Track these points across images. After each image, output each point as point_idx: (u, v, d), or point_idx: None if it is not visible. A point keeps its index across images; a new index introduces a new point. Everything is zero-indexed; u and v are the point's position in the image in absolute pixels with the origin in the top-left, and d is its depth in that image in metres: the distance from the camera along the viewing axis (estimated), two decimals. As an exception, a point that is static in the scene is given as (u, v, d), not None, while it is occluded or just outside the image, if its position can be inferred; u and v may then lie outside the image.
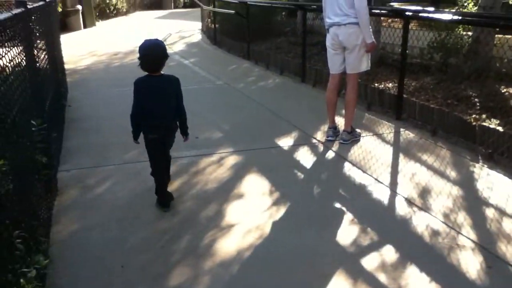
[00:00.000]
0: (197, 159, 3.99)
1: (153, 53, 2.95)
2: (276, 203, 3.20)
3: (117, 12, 19.30)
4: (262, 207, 3.14)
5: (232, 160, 3.98)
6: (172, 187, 3.46)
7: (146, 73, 3.01)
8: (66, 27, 14.37)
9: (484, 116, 4.22)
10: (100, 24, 16.74)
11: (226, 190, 3.40)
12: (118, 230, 2.88)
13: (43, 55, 4.21)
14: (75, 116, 5.37)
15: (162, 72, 3.03)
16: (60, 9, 13.99)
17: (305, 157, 4.04)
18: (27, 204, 2.28)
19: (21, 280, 1.78)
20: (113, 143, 4.41)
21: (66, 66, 7.66)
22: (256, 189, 3.41)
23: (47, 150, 3.04)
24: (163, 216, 3.05)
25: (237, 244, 2.69)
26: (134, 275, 2.44)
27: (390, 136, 4.48)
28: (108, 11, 18.52)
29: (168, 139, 3.18)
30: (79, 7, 14.95)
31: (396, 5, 13.04)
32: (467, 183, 3.45)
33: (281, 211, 3.09)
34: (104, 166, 3.87)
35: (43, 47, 4.37)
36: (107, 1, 18.54)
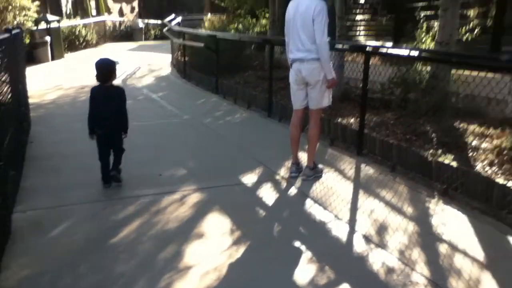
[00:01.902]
0: (159, 197, 3.97)
1: (102, 68, 4.07)
2: (236, 243, 3.19)
3: (86, 44, 19.23)
4: (222, 247, 3.13)
5: (195, 198, 3.97)
6: (131, 227, 3.42)
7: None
8: (34, 59, 14.21)
9: (440, 151, 4.37)
10: (69, 56, 16.64)
11: (187, 230, 3.38)
12: (71, 276, 2.80)
13: (5, 89, 4.16)
14: (37, 153, 5.28)
15: (113, 83, 4.13)
16: (27, 41, 13.89)
17: (268, 195, 4.07)
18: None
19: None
20: (73, 182, 4.34)
21: (31, 100, 7.56)
22: (217, 229, 3.40)
23: (1, 189, 2.96)
24: (120, 259, 3.00)
25: (194, 287, 2.67)
26: (86, 324, 2.38)
27: (351, 172, 4.57)
28: (77, 42, 18.44)
29: (113, 135, 4.13)
30: (48, 38, 14.85)
31: (361, 39, 13.53)
32: (422, 219, 3.53)
33: (241, 251, 3.08)
34: (61, 207, 3.80)
35: (6, 81, 4.32)
36: (77, 33, 18.49)
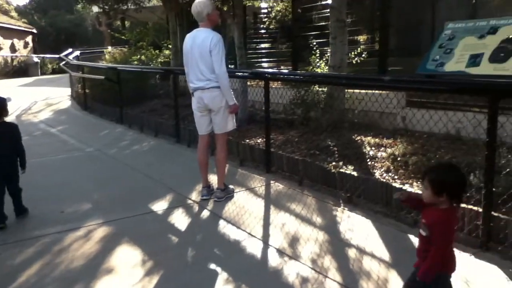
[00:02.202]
0: (62, 235, 3.70)
1: None
2: (148, 273, 3.07)
3: (-27, 81, 17.73)
4: (133, 280, 2.99)
5: (102, 232, 3.76)
6: (32, 270, 3.15)
7: None
8: None
9: (341, 163, 4.62)
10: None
11: (94, 267, 3.18)
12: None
13: None
14: None
15: (5, 120, 4.00)
16: None
17: (181, 220, 3.99)
18: None
19: None
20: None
21: None
22: (127, 261, 3.24)
23: None
24: (20, 306, 2.73)
25: (105, 325, 2.50)
26: None
27: (261, 190, 4.66)
28: (-38, 80, 16.94)
29: (9, 173, 3.99)
30: None
31: (264, 65, 14.04)
32: (331, 227, 3.68)
33: (154, 281, 2.97)
34: None
35: None
36: (-39, 70, 17.01)
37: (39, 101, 12.93)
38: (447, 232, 2.11)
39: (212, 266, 3.16)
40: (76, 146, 7.15)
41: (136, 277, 3.01)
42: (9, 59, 23.54)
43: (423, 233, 2.15)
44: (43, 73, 22.76)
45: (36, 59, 23.15)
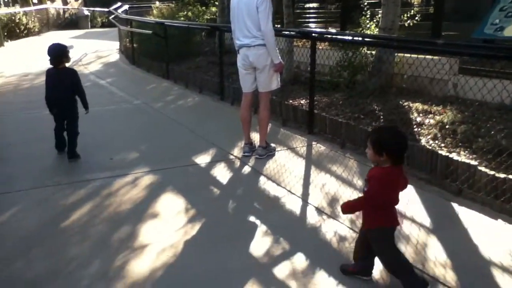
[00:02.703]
0: (111, 180, 3.89)
1: (53, 52, 4.30)
2: (191, 221, 3.20)
3: (28, 32, 18.36)
4: (177, 226, 3.13)
5: (147, 180, 3.92)
6: (83, 211, 3.35)
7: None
8: (-30, 48, 13.42)
9: (386, 127, 4.55)
10: (9, 44, 15.82)
11: (140, 211, 3.35)
12: (23, 261, 2.71)
13: None
14: (-22, 142, 5.02)
15: (65, 66, 4.39)
16: (-38, 29, 13.08)
17: (222, 174, 4.09)
18: None
19: None
20: (20, 170, 4.18)
21: (-31, 89, 7.16)
22: (171, 209, 3.39)
23: None
24: (72, 242, 2.93)
25: (150, 265, 2.66)
26: (39, 305, 2.32)
27: (302, 150, 4.68)
28: (18, 30, 17.57)
29: (66, 113, 4.35)
30: (-15, 26, 14.05)
31: (311, 26, 13.74)
32: (372, 191, 3.67)
33: (196, 229, 3.09)
34: (9, 193, 3.65)
35: None
36: (17, 21, 17.59)
37: (89, 53, 13.28)
38: (383, 187, 2.25)
39: (252, 218, 3.25)
40: (124, 99, 7.37)
41: (179, 224, 3.15)
42: (61, 12, 24.12)
43: (365, 189, 2.35)
44: (92, 26, 23.22)
45: (86, 12, 23.59)
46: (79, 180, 3.90)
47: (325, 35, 5.28)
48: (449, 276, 2.51)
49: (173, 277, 2.55)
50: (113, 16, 14.27)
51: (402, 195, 3.27)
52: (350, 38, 5.02)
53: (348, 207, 2.39)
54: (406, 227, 3.05)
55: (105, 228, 3.12)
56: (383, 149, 2.22)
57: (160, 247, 2.84)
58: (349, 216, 3.21)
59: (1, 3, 18.81)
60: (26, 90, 8.36)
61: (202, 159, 4.43)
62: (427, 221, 3.14)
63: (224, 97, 6.99)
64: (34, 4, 21.87)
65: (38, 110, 6.53)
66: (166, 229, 3.09)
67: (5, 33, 16.19)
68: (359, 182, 3.81)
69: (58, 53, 4.32)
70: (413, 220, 3.15)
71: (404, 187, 2.39)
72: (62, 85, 4.29)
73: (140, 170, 4.13)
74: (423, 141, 4.45)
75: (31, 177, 3.96)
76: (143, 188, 3.75)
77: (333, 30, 7.22)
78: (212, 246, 2.88)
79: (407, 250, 2.77)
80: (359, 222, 2.55)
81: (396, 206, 2.37)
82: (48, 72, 4.38)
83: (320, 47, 7.27)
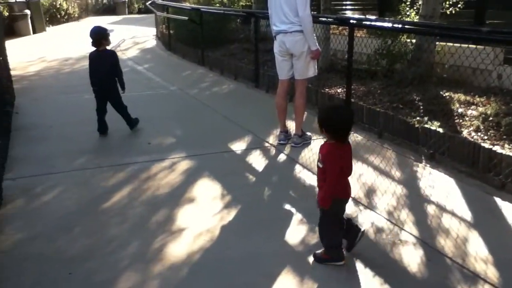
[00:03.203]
0: (149, 164, 3.96)
1: (95, 35, 4.62)
2: (227, 206, 3.22)
3: (68, 17, 18.80)
4: (213, 211, 3.16)
5: (184, 165, 3.97)
6: (122, 193, 3.43)
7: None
8: (14, 32, 13.86)
9: (426, 118, 4.42)
10: (51, 30, 16.26)
11: (177, 195, 3.40)
12: (65, 239, 2.81)
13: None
14: (22, 123, 5.20)
15: (106, 48, 4.73)
16: (6, 14, 13.50)
17: (257, 161, 4.10)
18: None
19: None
20: (60, 151, 4.31)
21: (14, 72, 7.41)
22: (207, 194, 3.43)
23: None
24: (111, 223, 3.01)
25: (187, 248, 2.70)
26: (80, 282, 2.40)
27: (339, 139, 4.61)
28: (59, 16, 18.01)
29: (106, 93, 4.70)
30: (28, 11, 14.45)
31: (348, 13, 13.48)
32: (410, 182, 3.60)
33: (232, 214, 3.12)
34: (51, 174, 3.78)
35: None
36: (58, 6, 18.03)
37: (127, 39, 13.49)
38: (334, 162, 2.42)
39: (287, 206, 3.25)
40: (160, 84, 7.46)
41: (215, 209, 3.18)
42: (99, -3, 24.57)
43: (320, 165, 2.49)
44: (130, 12, 23.54)
45: (124, -2, 23.94)
46: (119, 163, 3.99)
47: (364, 22, 5.14)
48: (491, 272, 2.44)
49: (209, 261, 2.58)
50: (150, 2, 14.40)
51: (442, 188, 3.19)
52: (390, 25, 4.88)
53: (325, 196, 2.45)
54: (446, 220, 2.98)
55: (143, 211, 3.18)
56: (322, 126, 2.48)
57: (196, 231, 2.88)
58: (387, 207, 3.17)
59: (43, -11, 19.32)
60: (67, 74, 8.58)
61: (238, 146, 4.44)
62: (467, 215, 3.06)
63: (259, 85, 6.97)
64: (74, -10, 22.38)
65: (79, 94, 6.72)
66: (203, 213, 3.13)
67: (47, 19, 16.64)
68: (397, 173, 3.74)
69: (98, 35, 4.63)
70: (453, 214, 3.07)
71: (351, 158, 2.57)
72: (103, 66, 4.64)
73: (177, 155, 4.18)
74: (464, 133, 4.31)
75: (71, 159, 4.08)
76: (180, 173, 3.80)
77: (372, 17, 7.05)
78: (248, 232, 2.90)
79: (446, 244, 2.71)
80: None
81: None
82: (91, 55, 4.72)
83: (357, 35, 7.12)
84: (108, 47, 4.79)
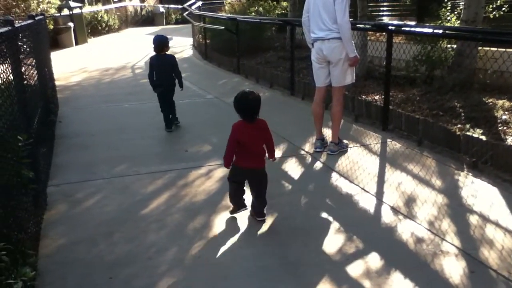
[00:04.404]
0: (186, 172, 4.02)
1: (158, 41, 5.26)
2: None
3: (109, 29, 19.42)
4: (250, 218, 3.16)
5: (220, 172, 4.00)
6: (160, 200, 3.49)
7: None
8: (58, 44, 14.43)
9: (468, 126, 4.29)
10: (92, 41, 16.84)
11: (214, 202, 3.43)
12: (105, 244, 2.88)
13: (31, 72, 4.25)
14: (65, 132, 5.40)
15: (166, 52, 5.34)
16: (51, 27, 14.09)
17: (293, 169, 4.08)
18: (13, 217, 2.30)
19: (6, 292, 1.79)
20: (101, 158, 4.44)
21: (57, 83, 7.70)
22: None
23: (33, 165, 3.05)
24: (150, 229, 3.07)
25: (225, 255, 2.71)
26: (120, 287, 2.45)
27: (376, 147, 4.55)
28: (100, 28, 18.64)
29: (168, 92, 5.35)
30: (71, 24, 15.04)
31: (384, 19, 13.30)
32: (452, 191, 3.50)
33: (268, 222, 3.11)
34: (92, 181, 3.89)
35: (32, 64, 4.41)
36: (99, 18, 18.67)
37: (164, 49, 13.77)
38: (233, 135, 3.07)
39: (324, 215, 3.22)
40: (197, 93, 7.58)
41: (252, 217, 3.19)
42: (138, 9, 25.28)
43: None
44: (167, 23, 24.08)
45: (162, 9, 24.50)
46: (157, 170, 4.07)
47: (403, 28, 5.05)
48: (540, 287, 2.32)
49: (247, 269, 2.58)
50: (187, 12, 14.70)
51: (485, 198, 3.09)
52: (430, 30, 4.77)
53: (224, 160, 3.13)
54: (490, 231, 2.87)
55: (181, 217, 3.23)
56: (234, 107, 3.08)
57: (233, 239, 2.90)
58: (427, 217, 3.08)
59: (86, 2, 20.04)
60: (107, 84, 8.85)
61: (273, 154, 4.43)
62: (513, 226, 2.93)
63: (294, 92, 6.97)
64: (114, 2, 23.09)
65: (118, 103, 6.92)
66: (239, 221, 3.14)
67: (89, 31, 17.26)
68: (437, 182, 3.64)
69: (161, 42, 5.28)
70: (497, 224, 2.95)
71: (255, 137, 3.13)
72: (164, 67, 5.25)
73: (213, 162, 4.22)
74: (509, 140, 4.16)
75: (112, 166, 4.19)
76: (217, 180, 3.83)
77: (411, 23, 6.91)
78: (284, 240, 2.89)
79: (490, 255, 2.61)
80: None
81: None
82: (152, 59, 5.32)
83: (395, 41, 7.01)
84: (168, 52, 5.44)
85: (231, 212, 3.22)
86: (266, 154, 3.20)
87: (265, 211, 3.15)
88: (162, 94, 5.32)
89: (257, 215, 3.14)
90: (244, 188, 3.21)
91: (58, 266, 2.65)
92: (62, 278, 2.54)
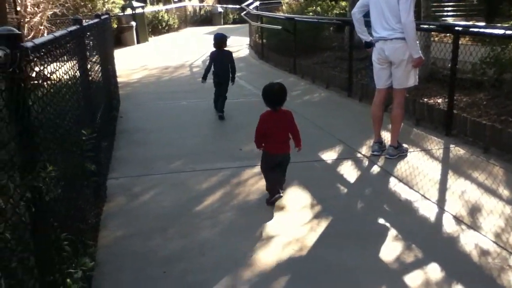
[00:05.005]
0: (240, 170, 4.03)
1: (218, 39, 6.00)
2: (317, 217, 3.16)
3: (169, 28, 19.96)
4: (303, 220, 3.11)
5: (274, 172, 3.97)
6: (214, 197, 3.52)
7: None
8: (121, 43, 15.01)
9: (541, 133, 4.00)
10: (153, 40, 17.38)
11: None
12: (160, 238, 2.94)
13: (96, 69, 4.42)
14: (125, 127, 5.58)
15: (225, 48, 6.04)
16: (115, 26, 14.68)
17: (349, 171, 3.98)
18: (75, 208, 2.39)
19: (68, 280, 1.86)
20: (159, 154, 4.54)
21: (119, 79, 7.99)
22: (297, 202, 3.39)
23: (96, 158, 3.17)
24: (204, 225, 3.09)
25: (276, 256, 2.68)
26: (173, 281, 2.48)
27: (439, 152, 4.34)
28: (160, 27, 19.20)
29: (224, 83, 5.98)
30: (133, 23, 15.60)
31: (449, 20, 12.75)
32: (521, 203, 3.27)
33: (322, 225, 3.05)
34: (150, 175, 3.99)
35: (97, 61, 4.59)
36: (160, 18, 19.23)
37: (221, 48, 13.95)
38: (260, 124, 3.45)
39: (381, 221, 3.10)
40: (252, 92, 7.60)
41: (305, 218, 3.14)
42: (197, 9, 25.83)
43: None
44: (225, 23, 24.42)
45: (220, 9, 24.89)
46: (212, 168, 4.11)
47: (471, 29, 4.78)
48: None
49: (297, 272, 2.54)
50: (244, 12, 14.80)
51: None
52: (501, 32, 4.48)
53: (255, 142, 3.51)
54: None
55: (233, 215, 3.23)
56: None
57: (285, 240, 2.86)
58: (493, 229, 2.90)
59: (147, 1, 20.70)
60: (166, 81, 9.09)
61: (329, 155, 4.36)
62: None
63: (352, 93, 6.81)
64: (175, 2, 23.71)
65: (177, 101, 7.08)
66: (292, 222, 3.10)
67: (150, 29, 17.83)
68: (505, 192, 3.41)
69: (221, 39, 6.00)
70: None
71: (279, 126, 3.45)
72: (223, 62, 5.93)
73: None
74: None
75: (169, 162, 4.28)
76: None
77: (479, 24, 6.53)
78: (339, 244, 2.82)
79: None
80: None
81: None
82: (212, 54, 5.99)
83: (460, 42, 6.67)
84: (226, 48, 6.09)
85: (268, 202, 3.33)
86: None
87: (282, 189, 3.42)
88: (218, 84, 5.97)
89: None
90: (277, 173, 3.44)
91: (115, 258, 2.73)
92: (119, 269, 2.61)
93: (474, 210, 3.15)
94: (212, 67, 6.00)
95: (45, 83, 1.89)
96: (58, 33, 2.36)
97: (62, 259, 1.83)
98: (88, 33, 3.89)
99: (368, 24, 4.30)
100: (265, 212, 3.25)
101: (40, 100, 1.79)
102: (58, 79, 2.21)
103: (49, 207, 1.70)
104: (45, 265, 1.62)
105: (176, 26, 20.93)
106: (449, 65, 5.08)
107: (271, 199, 3.31)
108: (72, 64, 2.79)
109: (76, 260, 2.06)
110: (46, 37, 2.11)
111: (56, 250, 1.75)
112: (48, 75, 1.90)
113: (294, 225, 3.05)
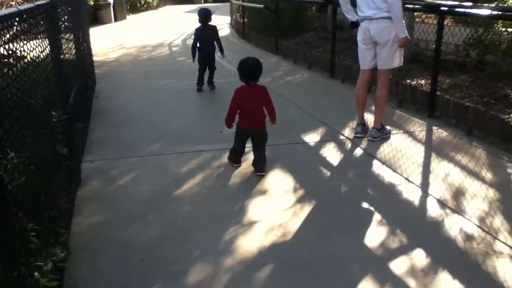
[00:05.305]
0: (221, 153, 3.91)
1: (203, 14, 6.06)
2: (300, 201, 3.09)
3: (147, 6, 19.46)
4: (285, 205, 3.03)
5: (256, 155, 3.87)
6: (195, 180, 3.42)
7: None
8: (98, 20, 14.56)
9: (523, 115, 3.99)
10: (131, 18, 16.91)
11: (249, 186, 3.32)
12: (139, 224, 2.82)
13: (69, 47, 4.20)
14: (102, 107, 5.38)
15: (209, 23, 6.14)
16: (91, 3, 14.19)
17: (332, 154, 3.91)
18: (46, 195, 2.25)
19: (35, 274, 1.73)
20: (137, 136, 4.39)
21: (95, 58, 7.73)
22: (279, 186, 3.31)
23: (68, 141, 3.01)
24: (184, 212, 2.98)
25: (259, 243, 2.60)
26: (152, 270, 2.38)
27: (422, 134, 4.30)
28: (138, 5, 18.69)
29: (209, 57, 6.15)
30: (111, 0, 15.11)
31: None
32: (504, 186, 3.25)
33: (306, 210, 2.97)
34: (127, 158, 3.84)
35: (70, 39, 4.36)
36: (138, -5, 18.71)
37: (201, 27, 13.66)
38: (234, 99, 3.49)
39: (365, 205, 3.05)
40: (233, 72, 7.38)
41: (288, 203, 3.06)
42: (177, -13, 25.23)
43: None
44: (205, 1, 23.93)
45: (200, -13, 24.38)
46: (192, 150, 3.98)
47: (456, 9, 4.71)
48: None
49: (281, 258, 2.47)
50: (225, -10, 14.51)
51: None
52: (488, 12, 4.40)
53: (226, 121, 3.56)
54: (549, 232, 2.63)
55: (215, 200, 3.13)
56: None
57: (268, 225, 2.78)
58: (478, 213, 2.87)
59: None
60: (144, 60, 8.83)
61: (311, 138, 4.28)
62: None
63: (334, 74, 6.72)
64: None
65: (155, 80, 6.88)
66: (275, 207, 3.01)
67: (128, 7, 17.32)
68: (488, 175, 3.39)
69: (206, 14, 6.07)
70: (558, 225, 2.71)
71: (254, 100, 3.49)
72: (208, 36, 6.10)
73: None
74: None
75: (147, 144, 4.13)
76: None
77: (466, 3, 6.42)
78: (322, 230, 2.75)
79: (550, 260, 2.38)
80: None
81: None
82: (197, 30, 6.15)
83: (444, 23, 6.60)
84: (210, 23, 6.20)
85: (230, 161, 3.62)
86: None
87: (264, 167, 3.48)
88: (202, 59, 6.08)
89: (258, 170, 3.47)
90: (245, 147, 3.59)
91: (90, 245, 2.60)
92: (94, 258, 2.49)
93: (458, 194, 3.12)
94: (198, 43, 6.08)
95: (7, 60, 1.73)
96: (23, 7, 2.18)
97: (28, 251, 1.70)
98: (60, 9, 3.67)
99: (354, 4, 4.19)
100: (247, 196, 3.16)
101: (0, 78, 1.63)
102: (22, 56, 2.04)
103: (12, 196, 1.56)
104: (8, 260, 1.49)
105: (155, 4, 20.42)
106: (433, 46, 5.01)
107: (230, 162, 3.62)
108: (41, 41, 2.61)
109: (46, 250, 1.93)
110: (8, 9, 1.93)
111: (22, 242, 1.62)
112: (10, 52, 1.73)
113: (277, 210, 2.97)
